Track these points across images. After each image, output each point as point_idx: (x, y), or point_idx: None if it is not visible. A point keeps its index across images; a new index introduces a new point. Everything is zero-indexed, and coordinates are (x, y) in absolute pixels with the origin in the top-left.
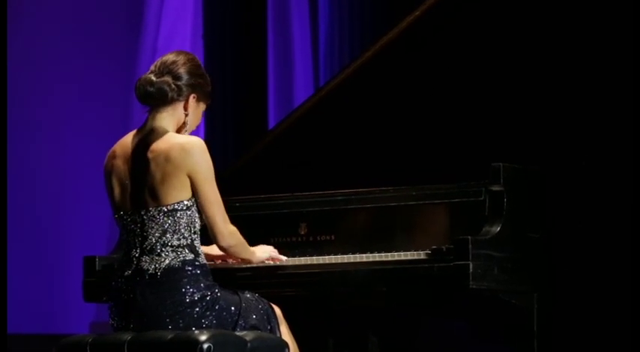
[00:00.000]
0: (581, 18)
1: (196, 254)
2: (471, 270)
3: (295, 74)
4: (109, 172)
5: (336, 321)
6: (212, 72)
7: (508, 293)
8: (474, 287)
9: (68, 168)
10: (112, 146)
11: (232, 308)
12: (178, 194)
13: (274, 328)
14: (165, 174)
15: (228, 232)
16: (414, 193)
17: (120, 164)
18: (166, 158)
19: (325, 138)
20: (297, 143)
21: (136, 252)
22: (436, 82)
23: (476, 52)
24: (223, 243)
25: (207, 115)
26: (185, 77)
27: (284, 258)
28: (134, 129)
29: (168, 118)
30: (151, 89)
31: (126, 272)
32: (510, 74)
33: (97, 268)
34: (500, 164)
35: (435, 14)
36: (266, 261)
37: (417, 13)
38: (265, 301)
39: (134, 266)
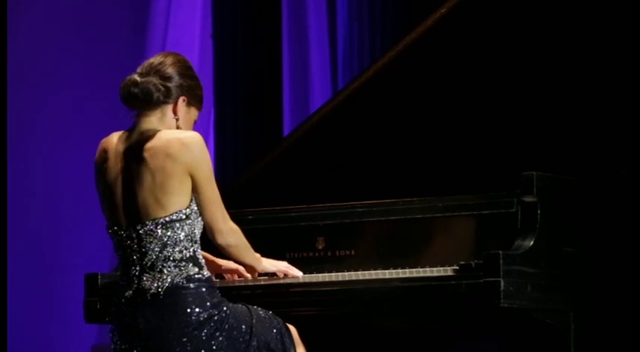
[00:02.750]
0: (612, 24)
1: (200, 267)
2: (502, 288)
3: (312, 77)
4: (102, 175)
5: (355, 343)
6: (222, 74)
7: (542, 312)
8: (506, 305)
9: (68, 181)
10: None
11: (243, 326)
12: (177, 200)
13: (288, 349)
14: (165, 173)
15: (227, 229)
16: (440, 204)
17: (112, 166)
18: (166, 154)
19: (344, 145)
20: (313, 151)
21: (136, 271)
22: (463, 85)
23: (504, 53)
24: (221, 241)
25: (217, 121)
26: (173, 77)
27: (299, 273)
28: None
29: (156, 122)
30: (135, 90)
31: (127, 293)
32: (543, 76)
33: (99, 286)
34: (533, 173)
35: (465, 10)
36: (278, 274)
37: (444, 10)
38: (280, 320)
39: (135, 285)
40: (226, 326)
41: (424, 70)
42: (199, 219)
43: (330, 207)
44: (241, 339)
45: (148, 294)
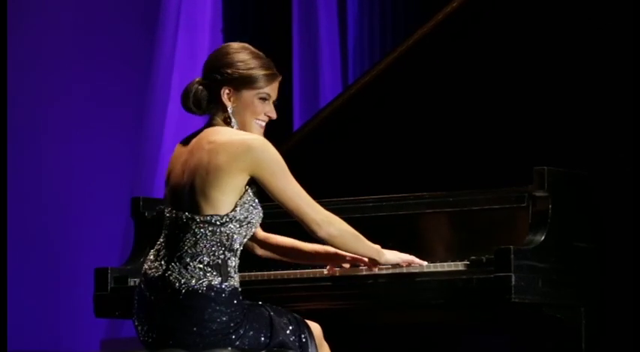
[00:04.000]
0: (624, 20)
1: (226, 278)
2: (513, 283)
3: (322, 71)
4: (171, 164)
5: (363, 338)
6: None
7: (553, 308)
8: (517, 300)
9: (78, 176)
10: (124, 151)
11: (262, 330)
12: (222, 199)
13: (306, 346)
14: (219, 170)
15: (322, 218)
16: (450, 199)
17: (179, 157)
18: (226, 152)
19: (354, 140)
20: (323, 145)
21: (166, 255)
22: (475, 80)
23: (516, 49)
24: (322, 233)
25: None
26: (209, 74)
27: (424, 263)
28: (148, 132)
29: (217, 118)
30: (187, 101)
31: (151, 274)
32: (553, 72)
33: (109, 281)
34: (545, 168)
35: (477, 6)
36: (401, 264)
37: (455, 5)
38: (296, 316)
39: (162, 270)
40: (241, 331)
41: (435, 65)
42: (243, 229)
43: (339, 201)
44: (258, 343)
45: (170, 287)
